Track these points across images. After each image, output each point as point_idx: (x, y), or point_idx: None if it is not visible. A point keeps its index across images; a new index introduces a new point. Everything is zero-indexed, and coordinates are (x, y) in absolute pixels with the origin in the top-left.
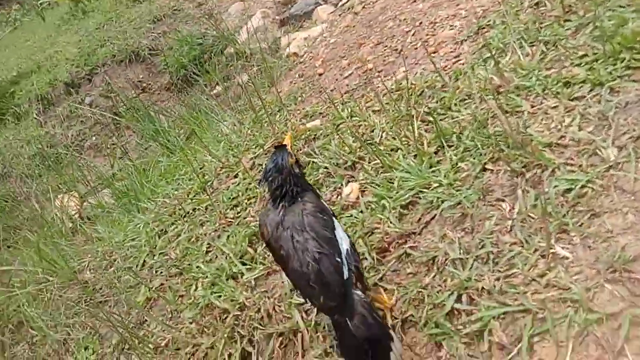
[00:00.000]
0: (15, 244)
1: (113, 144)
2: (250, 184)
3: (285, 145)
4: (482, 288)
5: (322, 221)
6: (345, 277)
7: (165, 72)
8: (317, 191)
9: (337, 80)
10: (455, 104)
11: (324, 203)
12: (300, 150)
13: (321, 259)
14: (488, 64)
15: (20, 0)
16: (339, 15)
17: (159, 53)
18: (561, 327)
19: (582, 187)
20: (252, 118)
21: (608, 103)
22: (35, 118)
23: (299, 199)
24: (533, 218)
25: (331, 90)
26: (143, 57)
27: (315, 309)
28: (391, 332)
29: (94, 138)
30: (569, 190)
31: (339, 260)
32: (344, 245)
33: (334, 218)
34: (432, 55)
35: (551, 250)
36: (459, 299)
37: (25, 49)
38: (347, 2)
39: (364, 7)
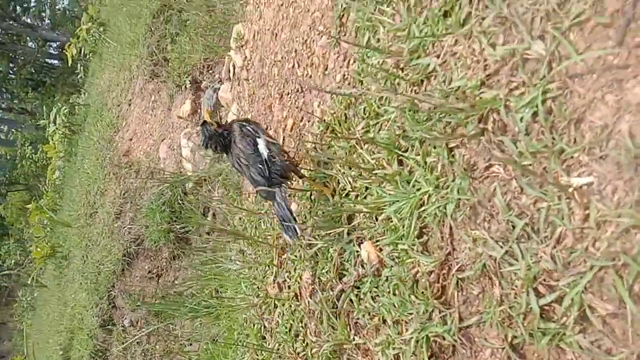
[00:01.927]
0: None
1: (181, 344)
2: (291, 306)
3: (205, 121)
4: (548, 269)
5: (244, 144)
6: (267, 174)
7: (159, 247)
8: (243, 123)
9: None
10: (379, 106)
11: (248, 128)
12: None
13: (250, 169)
14: (370, 51)
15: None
16: (238, 86)
17: (142, 237)
18: None
19: (543, 102)
20: (247, 242)
21: (495, 4)
22: None
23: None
24: (530, 164)
25: None
26: (135, 252)
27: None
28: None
29: (157, 346)
30: (535, 114)
31: (261, 166)
32: (265, 153)
33: (257, 138)
34: (325, 73)
35: (571, 187)
36: (538, 294)
37: (53, 328)
38: (233, 73)
39: (247, 70)
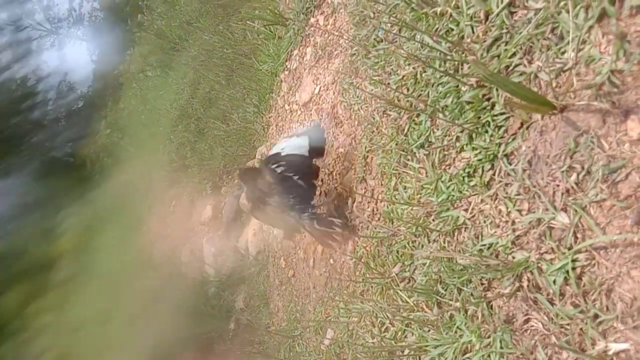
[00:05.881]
0: None
1: None
2: None
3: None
4: None
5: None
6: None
7: (181, 353)
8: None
9: (309, 275)
10: (412, 248)
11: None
12: None
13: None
14: (399, 193)
15: None
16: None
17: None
18: None
19: (573, 269)
20: None
21: (516, 173)
22: None
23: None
24: (567, 324)
25: (314, 288)
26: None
27: None
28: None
29: None
30: (566, 279)
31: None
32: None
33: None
34: (354, 205)
35: (610, 351)
36: None
37: None
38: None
39: None
